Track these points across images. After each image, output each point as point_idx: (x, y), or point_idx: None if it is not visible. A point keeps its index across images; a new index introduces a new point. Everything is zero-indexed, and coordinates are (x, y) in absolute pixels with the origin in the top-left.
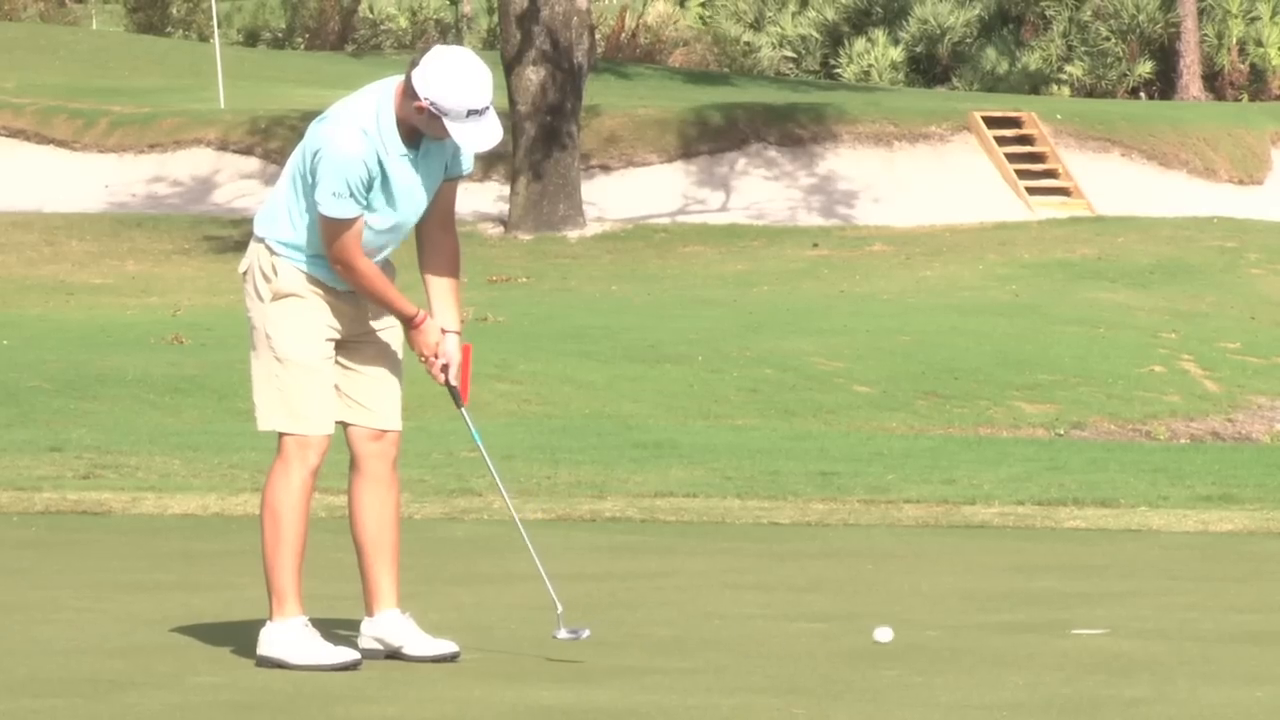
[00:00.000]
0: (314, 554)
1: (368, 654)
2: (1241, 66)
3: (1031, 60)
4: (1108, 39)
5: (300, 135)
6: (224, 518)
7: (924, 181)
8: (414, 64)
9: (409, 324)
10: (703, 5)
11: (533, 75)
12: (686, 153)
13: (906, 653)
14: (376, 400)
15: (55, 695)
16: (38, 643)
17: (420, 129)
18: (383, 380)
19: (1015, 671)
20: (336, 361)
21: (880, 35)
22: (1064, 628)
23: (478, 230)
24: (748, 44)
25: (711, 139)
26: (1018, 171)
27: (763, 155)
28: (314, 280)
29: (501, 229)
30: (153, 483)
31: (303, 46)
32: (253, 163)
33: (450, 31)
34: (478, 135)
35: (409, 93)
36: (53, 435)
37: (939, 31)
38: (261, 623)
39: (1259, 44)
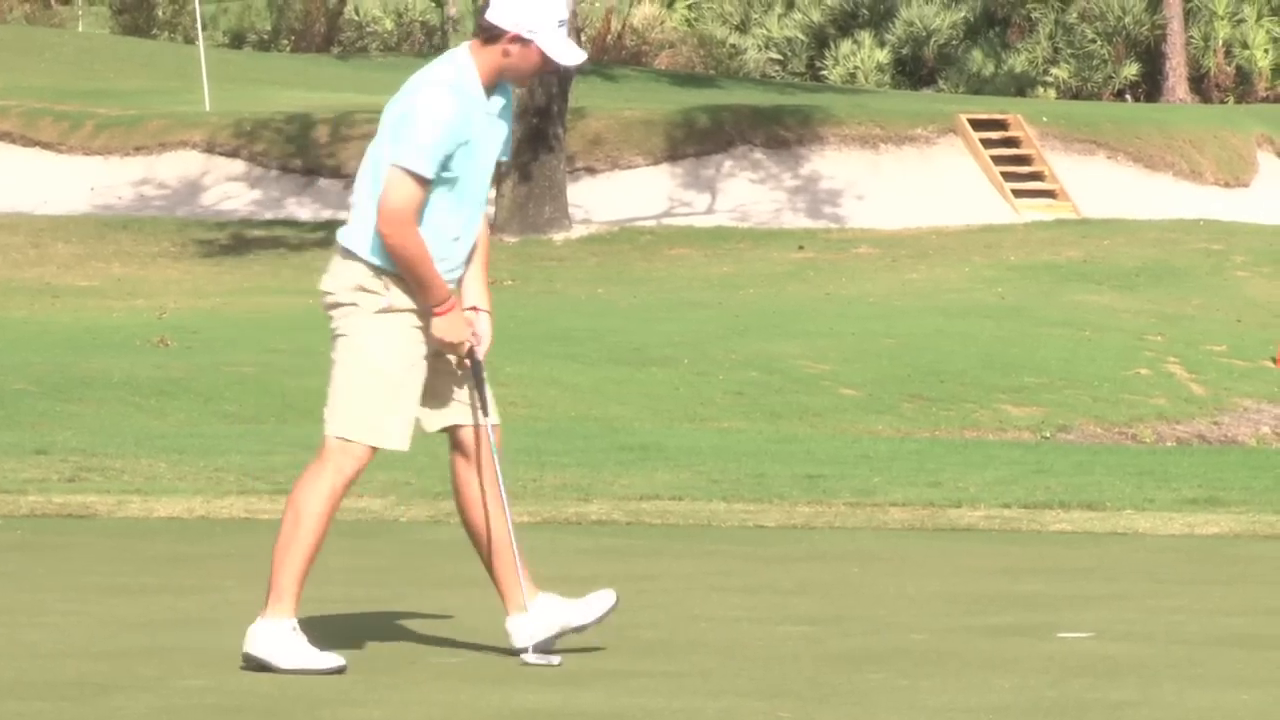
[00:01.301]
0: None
1: (541, 647)
2: (1227, 69)
3: (1017, 62)
4: (1094, 41)
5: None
6: (210, 521)
7: (910, 184)
8: (485, 8)
9: (437, 308)
10: (689, 7)
11: None
12: (672, 155)
13: (893, 656)
14: (466, 399)
15: (40, 698)
16: (23, 646)
17: (506, 75)
18: (463, 385)
19: (1001, 675)
20: (432, 369)
21: (866, 37)
22: (1050, 631)
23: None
24: (733, 46)
25: (697, 141)
26: (1004, 174)
27: (749, 157)
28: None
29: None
30: (138, 486)
31: (288, 48)
32: (239, 165)
33: (436, 33)
34: (571, 50)
35: (488, 38)
36: (38, 438)
37: (925, 34)
38: (248, 622)
39: (1245, 46)
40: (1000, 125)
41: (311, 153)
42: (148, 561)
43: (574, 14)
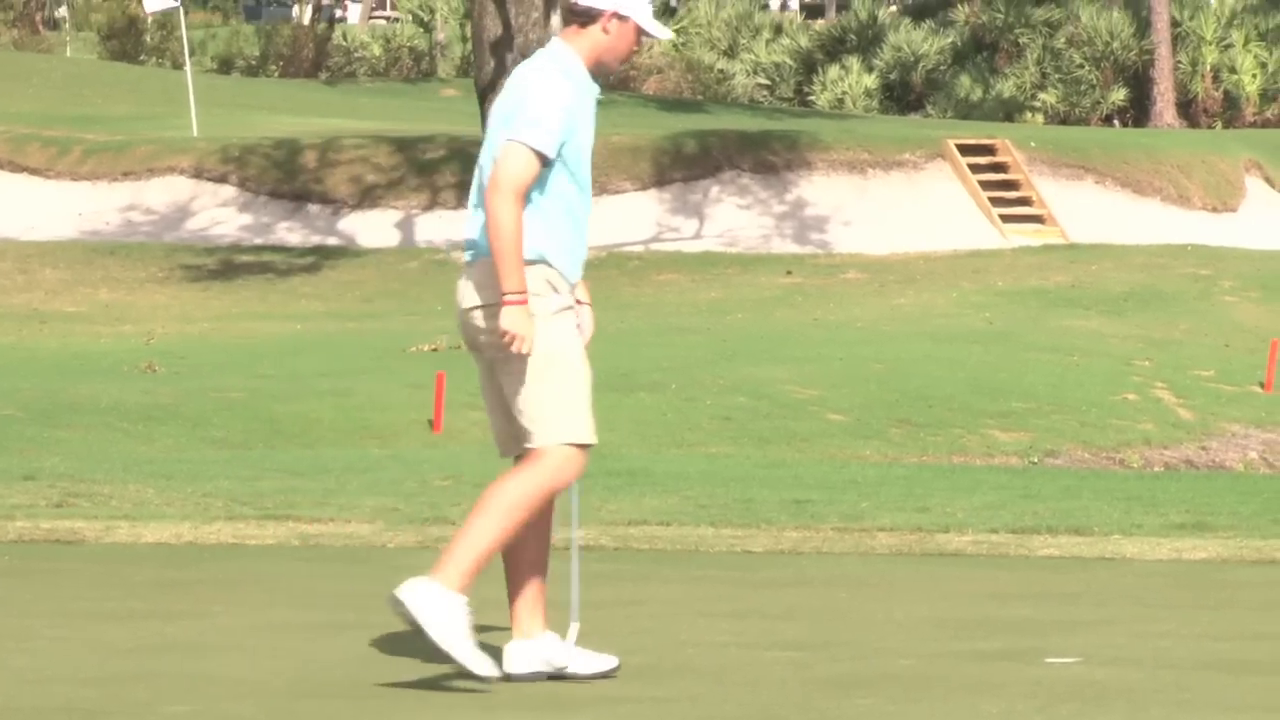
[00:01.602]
0: (292, 581)
1: (531, 678)
2: (1215, 94)
3: (1005, 87)
4: (1081, 66)
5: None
6: (197, 546)
7: (898, 209)
8: None
9: (514, 296)
10: (677, 33)
11: None
12: (660, 180)
13: (881, 681)
14: None
15: None
16: (11, 671)
17: (604, 56)
18: None
19: (989, 700)
20: None
21: (854, 63)
22: (1038, 656)
23: (452, 258)
24: (722, 71)
25: (685, 166)
26: (991, 199)
27: (736, 183)
28: (566, 285)
29: None
30: (126, 511)
31: (276, 74)
32: (227, 190)
33: (424, 59)
34: (662, 26)
35: (584, 21)
36: (26, 464)
37: (913, 59)
38: (235, 648)
39: (1233, 71)
40: (988, 150)
41: (299, 178)
42: (135, 587)
43: None
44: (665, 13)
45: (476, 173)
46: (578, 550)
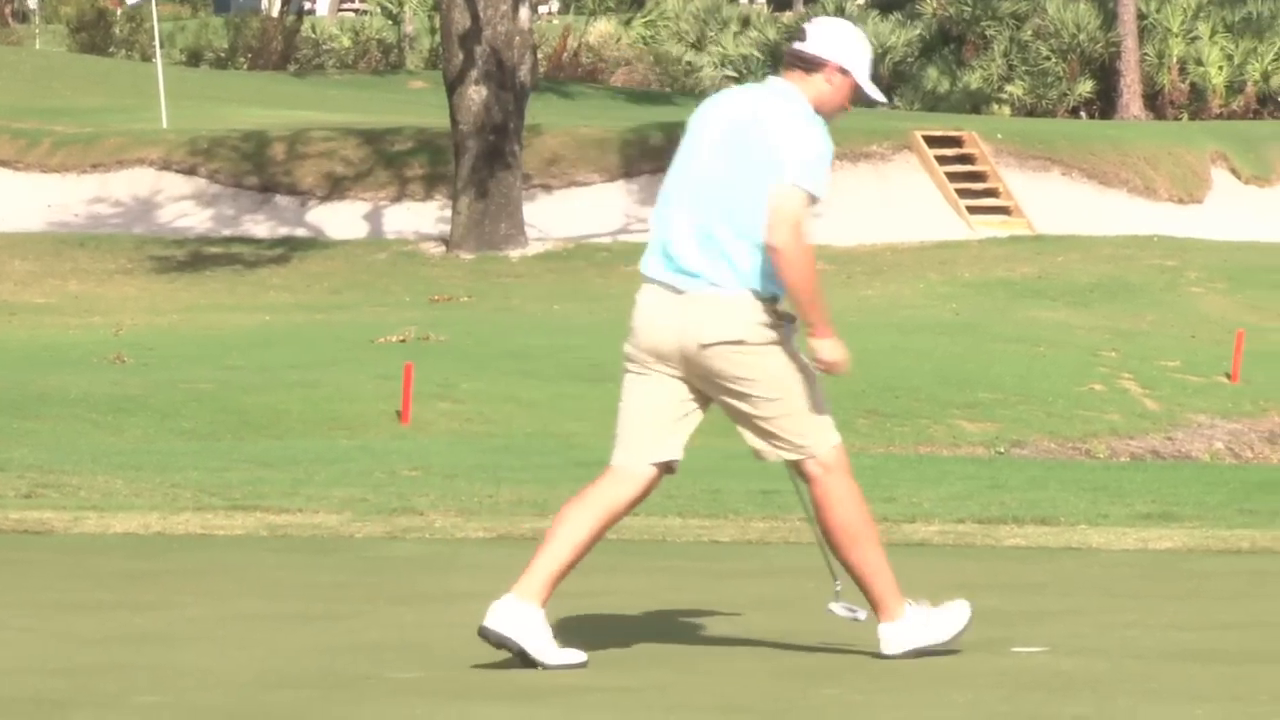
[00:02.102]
0: (260, 571)
1: (497, 640)
2: (1182, 86)
3: (972, 80)
4: (1048, 58)
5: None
6: (166, 537)
7: (865, 200)
8: (798, 40)
9: (823, 328)
10: (645, 25)
11: (475, 95)
12: (628, 172)
13: (847, 671)
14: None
15: None
16: None
17: (821, 107)
18: None
19: (956, 689)
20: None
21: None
22: (1004, 646)
23: (420, 249)
24: (689, 64)
25: (653, 158)
26: (958, 190)
27: None
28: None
29: (443, 248)
30: (95, 502)
31: (245, 66)
32: (195, 182)
33: (393, 51)
34: (878, 90)
35: (809, 68)
36: None
37: (880, 51)
38: (204, 638)
39: (1199, 63)
40: (955, 142)
41: (268, 170)
42: (104, 577)
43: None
44: (633, 5)
45: (683, 193)
46: (818, 534)
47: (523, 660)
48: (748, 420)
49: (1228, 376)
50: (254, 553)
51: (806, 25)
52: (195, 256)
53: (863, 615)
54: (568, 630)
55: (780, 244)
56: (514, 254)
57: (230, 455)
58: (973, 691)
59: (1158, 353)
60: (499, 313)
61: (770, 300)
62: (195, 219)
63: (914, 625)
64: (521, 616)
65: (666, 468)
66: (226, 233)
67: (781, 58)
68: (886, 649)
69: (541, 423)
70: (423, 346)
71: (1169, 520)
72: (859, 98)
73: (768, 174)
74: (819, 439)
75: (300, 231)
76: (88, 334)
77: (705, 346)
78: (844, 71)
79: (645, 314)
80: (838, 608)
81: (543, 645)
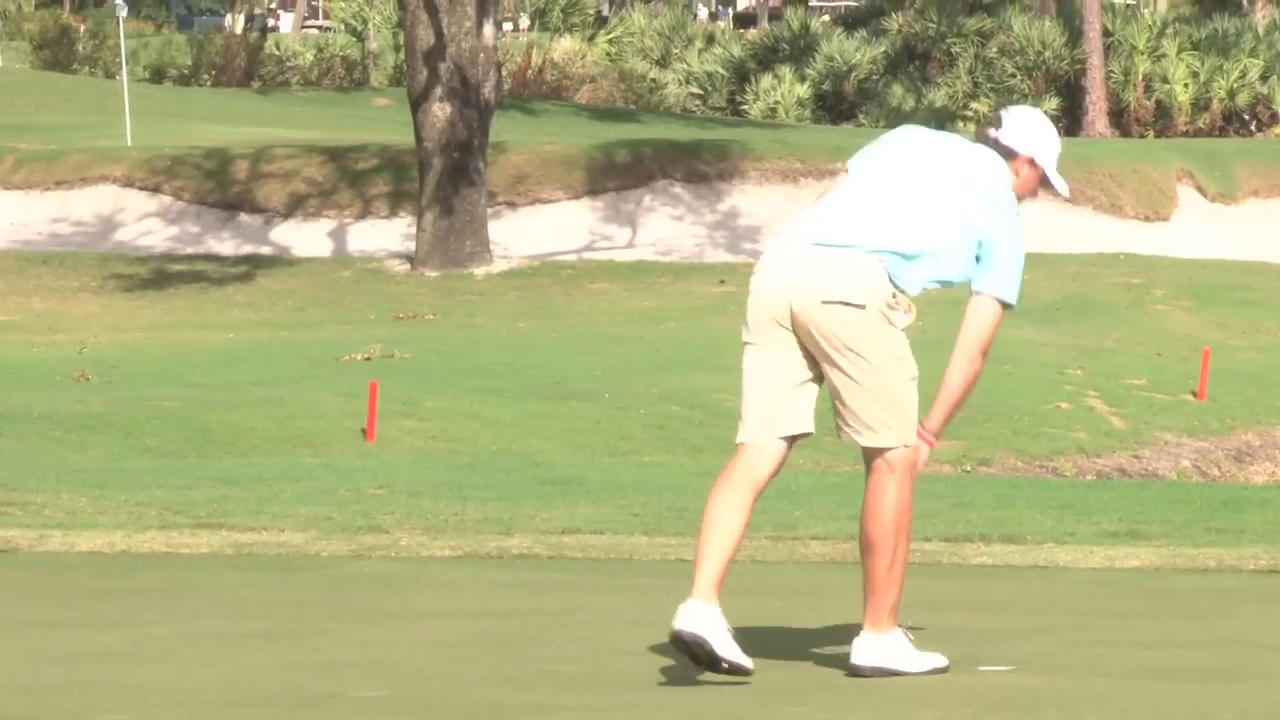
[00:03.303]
0: (225, 589)
1: (690, 639)
2: (1147, 103)
3: (938, 97)
4: (1014, 75)
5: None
6: (131, 555)
7: None
8: (994, 127)
9: (934, 439)
10: (609, 42)
11: (440, 112)
12: (593, 189)
13: (815, 689)
14: None
15: None
16: None
17: (1015, 192)
18: None
19: (923, 708)
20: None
21: (787, 72)
22: (971, 664)
23: (384, 267)
24: (654, 81)
25: (618, 176)
26: None
27: (669, 192)
28: None
29: (408, 266)
30: (59, 520)
31: (209, 83)
32: (159, 200)
33: (356, 68)
34: (1063, 181)
35: (1005, 155)
36: None
37: (845, 68)
38: (170, 657)
39: (1165, 81)
40: None
41: (232, 187)
42: (69, 596)
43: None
44: (598, 22)
45: (886, 182)
46: None
47: (709, 661)
48: (838, 391)
49: (1194, 394)
50: (219, 571)
51: (1003, 113)
52: (159, 274)
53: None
54: (535, 650)
55: (974, 355)
56: (479, 271)
57: (195, 473)
58: (940, 710)
59: (1124, 371)
60: (464, 330)
61: (900, 293)
62: (159, 236)
63: (894, 647)
64: (708, 618)
65: (795, 438)
66: (190, 250)
67: (981, 141)
68: (857, 657)
69: (506, 440)
70: (387, 364)
71: (1136, 538)
72: (1044, 187)
73: (967, 239)
74: (907, 432)
75: (264, 249)
76: (51, 352)
77: (826, 303)
78: (1033, 164)
79: (765, 274)
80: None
81: (728, 645)
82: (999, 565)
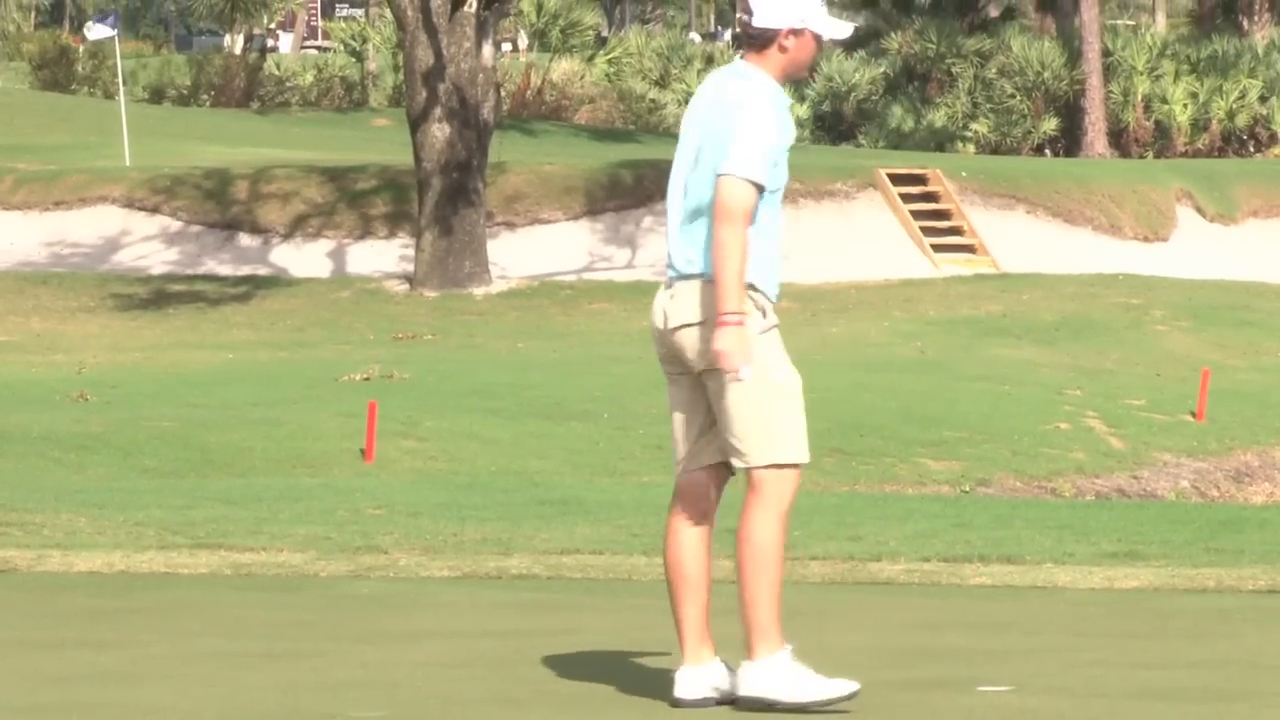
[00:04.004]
0: (223, 610)
1: (700, 703)
2: (1146, 123)
3: (937, 117)
4: (1013, 96)
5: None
6: (129, 575)
7: (829, 238)
8: (748, 15)
9: (731, 317)
10: (608, 62)
11: (439, 132)
12: (592, 210)
13: (814, 711)
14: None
15: None
16: None
17: (788, 72)
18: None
19: None
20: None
21: (786, 92)
22: (970, 685)
23: (383, 287)
24: (653, 101)
25: (617, 196)
26: (923, 228)
27: None
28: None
29: (407, 286)
30: (58, 540)
31: (208, 103)
32: (158, 220)
33: (355, 89)
34: (840, 24)
35: (761, 44)
36: None
37: (845, 89)
38: (167, 677)
39: (1164, 101)
40: (919, 180)
41: (231, 208)
42: (67, 616)
43: None
44: (597, 42)
45: (675, 191)
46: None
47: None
48: (716, 408)
49: (1193, 415)
50: (217, 591)
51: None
52: (158, 294)
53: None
54: (533, 670)
55: (719, 229)
56: (478, 292)
57: (193, 493)
58: None
59: (1123, 391)
60: (463, 350)
61: (750, 291)
62: (158, 257)
63: (770, 675)
64: (707, 677)
65: (720, 467)
66: (189, 270)
67: (742, 36)
68: (741, 688)
69: (505, 460)
70: (386, 384)
71: (1135, 559)
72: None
73: (707, 160)
74: (770, 450)
75: (263, 269)
76: (50, 372)
77: (676, 329)
78: (795, 32)
79: (652, 318)
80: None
81: (741, 685)
82: (998, 585)
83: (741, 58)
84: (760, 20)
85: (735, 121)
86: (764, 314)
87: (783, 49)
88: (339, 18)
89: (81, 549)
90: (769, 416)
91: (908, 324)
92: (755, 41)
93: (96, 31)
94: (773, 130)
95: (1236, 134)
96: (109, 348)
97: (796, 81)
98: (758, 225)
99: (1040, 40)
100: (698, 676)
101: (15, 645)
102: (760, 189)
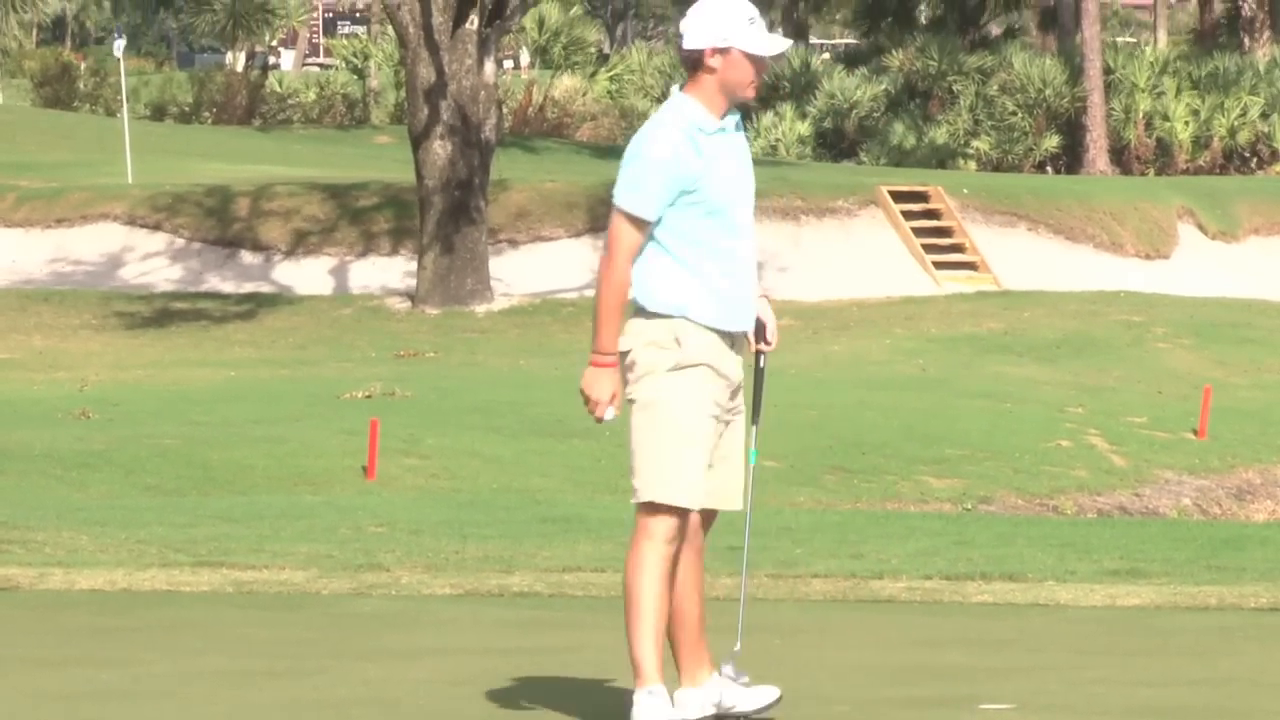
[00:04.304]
0: (225, 628)
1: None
2: (1148, 141)
3: (938, 134)
4: (1014, 113)
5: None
6: (131, 593)
7: (831, 256)
8: (681, 43)
9: (598, 357)
10: (610, 80)
11: (440, 150)
12: (594, 227)
13: None
14: (726, 481)
15: None
16: None
17: (727, 91)
18: (733, 460)
19: None
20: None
21: (788, 110)
22: (971, 702)
23: (385, 305)
24: None
25: None
26: (925, 246)
27: None
28: (713, 339)
29: (409, 303)
30: (60, 558)
31: (210, 121)
32: (160, 237)
33: (358, 106)
34: (770, 40)
35: (693, 67)
36: None
37: (846, 106)
38: (168, 695)
39: (1165, 118)
40: (921, 197)
41: (233, 225)
42: (69, 634)
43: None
44: (598, 60)
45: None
46: (745, 581)
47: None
48: None
49: (1195, 432)
50: (220, 609)
51: (683, 21)
52: (160, 312)
53: (746, 679)
54: (536, 688)
55: (605, 263)
56: (480, 309)
57: (195, 511)
58: None
59: (1124, 409)
60: (465, 368)
61: (676, 319)
62: (160, 274)
63: (638, 706)
64: (710, 695)
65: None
66: (191, 288)
67: (681, 59)
68: (637, 713)
69: (507, 478)
70: (388, 402)
71: (1136, 577)
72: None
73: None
74: (643, 483)
75: (265, 287)
76: (52, 389)
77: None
78: (720, 50)
79: None
80: (727, 669)
81: (742, 696)
82: (1000, 603)
83: (680, 88)
84: (687, 42)
85: (632, 149)
86: (681, 346)
87: (710, 70)
88: (341, 35)
89: (83, 567)
90: (656, 455)
91: (909, 341)
92: (687, 65)
93: (119, 48)
94: (666, 159)
95: (1238, 151)
96: (111, 365)
97: (797, 99)
98: (694, 245)
99: (1042, 57)
100: (697, 696)
101: (17, 663)
102: (645, 223)
